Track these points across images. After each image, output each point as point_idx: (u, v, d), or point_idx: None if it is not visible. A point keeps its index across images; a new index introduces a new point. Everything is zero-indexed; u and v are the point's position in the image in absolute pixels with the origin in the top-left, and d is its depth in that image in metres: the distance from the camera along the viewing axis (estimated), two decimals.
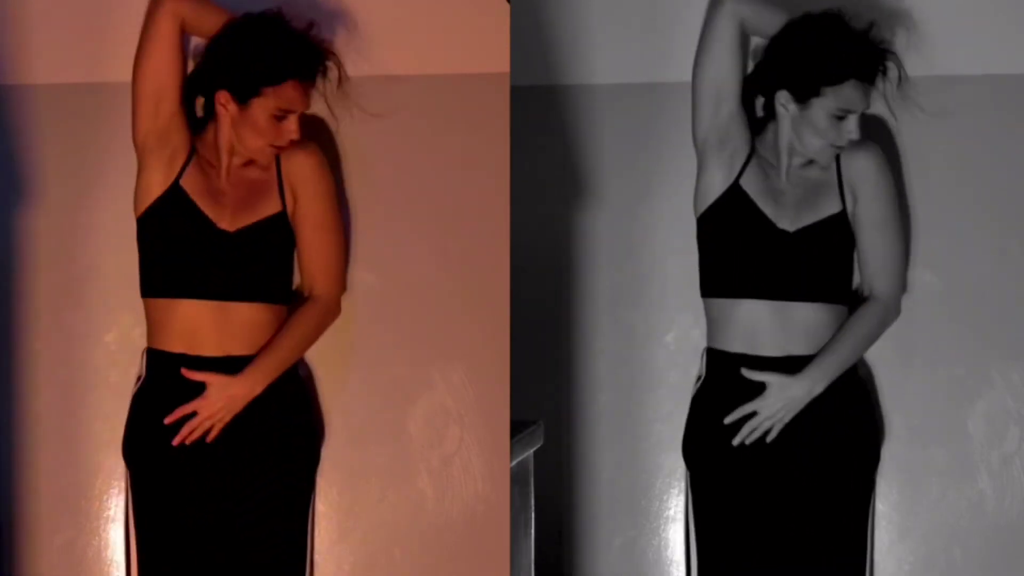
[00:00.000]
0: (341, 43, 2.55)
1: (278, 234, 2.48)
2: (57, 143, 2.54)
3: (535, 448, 2.76)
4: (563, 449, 2.94)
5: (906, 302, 2.82)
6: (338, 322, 2.55)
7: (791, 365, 2.64)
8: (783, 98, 2.65)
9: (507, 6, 2.56)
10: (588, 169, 2.94)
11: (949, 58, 2.83)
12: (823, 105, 2.61)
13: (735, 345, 2.67)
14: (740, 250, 2.68)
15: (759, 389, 2.64)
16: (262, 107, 2.41)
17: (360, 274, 2.56)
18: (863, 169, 2.68)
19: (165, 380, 2.43)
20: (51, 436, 2.54)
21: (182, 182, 2.44)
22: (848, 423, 2.68)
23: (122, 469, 2.51)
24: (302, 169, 2.48)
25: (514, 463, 2.58)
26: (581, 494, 2.94)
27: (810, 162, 2.70)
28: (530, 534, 2.75)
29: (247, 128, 2.43)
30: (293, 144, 2.45)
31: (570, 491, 2.94)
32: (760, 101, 2.73)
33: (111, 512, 2.54)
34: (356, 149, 2.57)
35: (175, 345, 2.43)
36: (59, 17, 2.55)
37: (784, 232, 2.66)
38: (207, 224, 2.43)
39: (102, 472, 2.53)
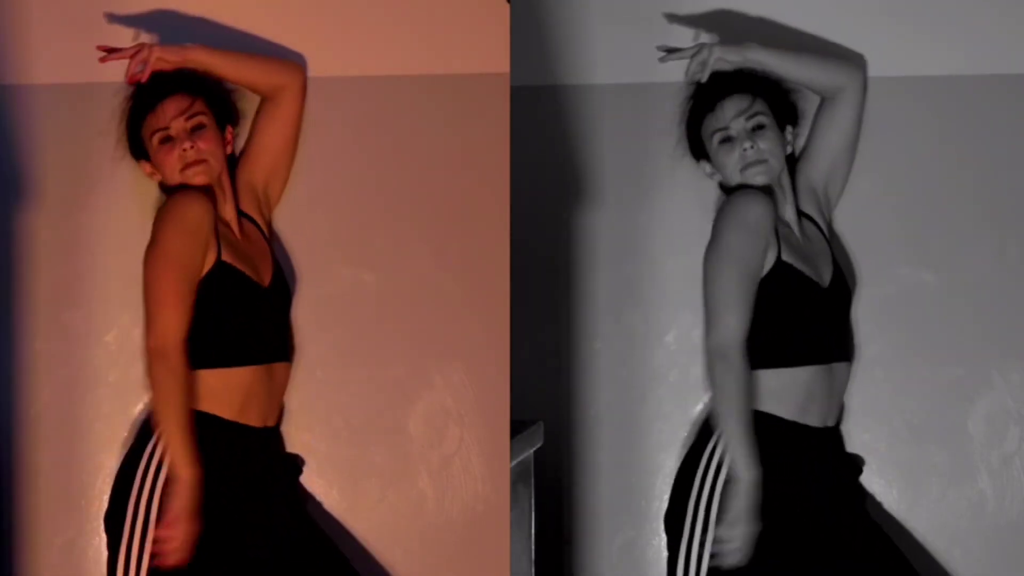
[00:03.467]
0: (342, 43, 2.56)
1: (285, 276, 2.54)
2: (57, 143, 2.54)
3: (535, 448, 2.76)
4: (563, 449, 2.94)
5: (906, 302, 2.82)
6: (338, 322, 2.56)
7: (826, 436, 2.66)
8: (707, 168, 2.71)
9: (507, 6, 2.56)
10: (588, 169, 2.94)
11: (949, 58, 2.83)
12: (710, 146, 2.66)
13: (782, 412, 2.60)
14: (796, 319, 2.61)
15: (800, 456, 2.59)
16: (151, 147, 2.43)
17: (360, 274, 2.57)
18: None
19: (210, 443, 2.38)
20: (51, 436, 2.53)
21: (224, 257, 2.41)
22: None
23: None
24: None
25: (514, 463, 2.58)
26: (581, 494, 2.94)
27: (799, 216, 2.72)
28: (530, 534, 2.75)
29: (162, 172, 2.43)
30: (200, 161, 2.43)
31: (570, 491, 2.94)
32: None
33: None
34: (356, 149, 2.57)
35: (222, 411, 2.41)
36: (59, 17, 2.55)
37: (825, 289, 2.66)
38: (256, 287, 2.44)
39: (102, 472, 2.53)
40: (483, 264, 2.55)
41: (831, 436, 2.68)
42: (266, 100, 2.52)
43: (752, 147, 2.62)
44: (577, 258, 2.95)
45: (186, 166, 2.42)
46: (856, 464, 2.78)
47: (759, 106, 2.66)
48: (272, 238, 2.56)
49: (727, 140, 2.64)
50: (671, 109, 2.85)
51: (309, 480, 2.56)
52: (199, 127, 2.44)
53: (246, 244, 2.48)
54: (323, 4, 2.57)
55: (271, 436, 2.50)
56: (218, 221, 2.43)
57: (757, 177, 2.63)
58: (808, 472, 2.60)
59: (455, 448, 2.56)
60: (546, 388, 2.95)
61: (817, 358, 2.62)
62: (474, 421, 2.56)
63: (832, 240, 2.76)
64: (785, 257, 2.60)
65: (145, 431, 2.41)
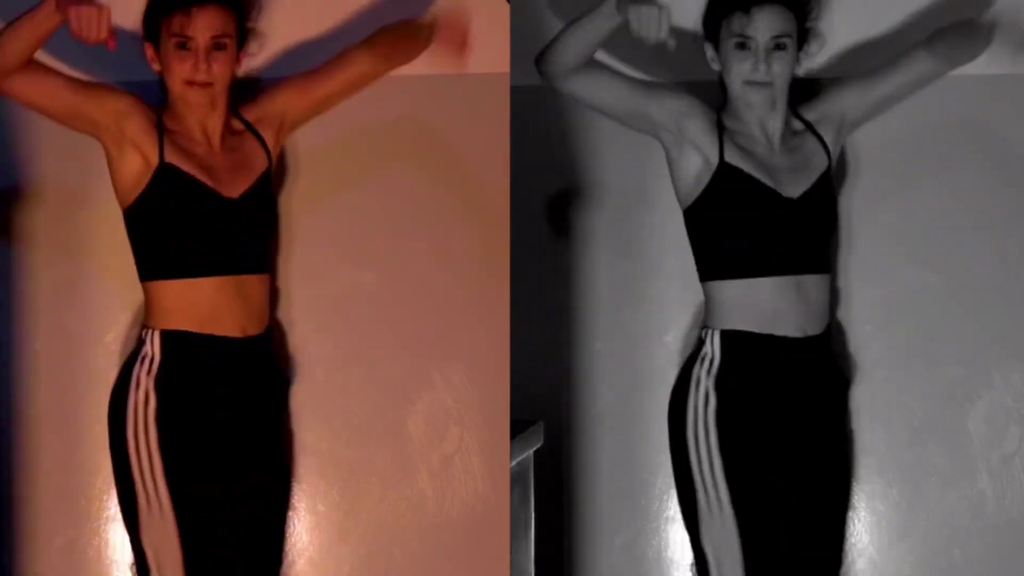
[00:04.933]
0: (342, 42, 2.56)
1: (270, 194, 2.50)
2: (57, 143, 2.54)
3: (535, 448, 2.76)
4: (563, 449, 2.94)
5: (906, 302, 2.82)
6: (338, 322, 2.56)
7: (808, 345, 2.62)
8: (709, 52, 2.69)
9: (507, 6, 2.56)
10: (588, 169, 2.94)
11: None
12: (724, 39, 2.64)
13: (752, 326, 2.61)
14: (749, 227, 2.62)
15: (781, 368, 2.61)
16: (165, 41, 2.40)
17: (360, 274, 2.56)
18: (824, 96, 2.74)
19: (187, 361, 2.40)
20: (51, 436, 2.54)
21: (168, 159, 2.38)
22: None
23: None
24: (263, 99, 2.50)
25: (514, 463, 2.58)
26: (581, 494, 2.94)
27: (792, 131, 2.70)
28: (530, 534, 2.75)
29: (165, 71, 2.42)
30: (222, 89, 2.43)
31: (570, 491, 2.94)
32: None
33: (111, 512, 2.54)
34: (356, 149, 2.57)
35: (191, 326, 2.39)
36: None
37: (789, 200, 2.62)
38: (212, 195, 2.40)
39: (102, 472, 2.53)
40: (483, 264, 2.55)
41: (813, 345, 2.64)
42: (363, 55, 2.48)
43: (766, 68, 2.61)
44: (577, 258, 2.95)
45: (191, 83, 2.40)
46: (843, 376, 2.76)
47: (788, 26, 2.63)
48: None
49: (743, 47, 2.62)
50: None
51: (309, 480, 2.56)
52: (220, 47, 2.41)
53: (222, 156, 2.44)
54: (323, 3, 2.57)
55: (253, 345, 2.44)
56: (168, 128, 2.40)
57: (753, 96, 2.62)
58: (784, 382, 2.62)
59: (455, 448, 2.56)
60: (546, 388, 2.95)
61: (775, 269, 2.61)
62: (474, 421, 2.56)
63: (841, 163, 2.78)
64: (729, 158, 2.61)
65: (127, 367, 2.41)
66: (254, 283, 2.44)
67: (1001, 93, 2.82)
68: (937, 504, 2.83)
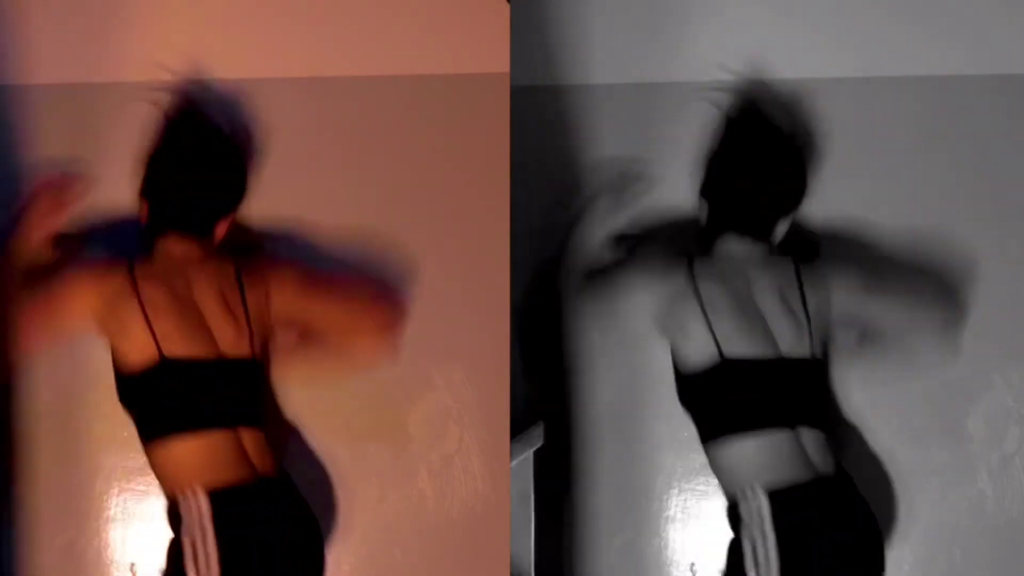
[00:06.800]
0: (342, 43, 2.56)
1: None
2: (57, 143, 2.54)
3: (535, 448, 2.76)
4: (563, 449, 2.94)
5: None
6: None
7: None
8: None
9: (507, 6, 2.56)
10: (588, 169, 2.94)
11: (949, 58, 2.83)
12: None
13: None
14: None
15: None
16: None
17: None
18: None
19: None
20: (51, 436, 2.54)
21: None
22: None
23: (122, 469, 2.52)
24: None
25: (514, 463, 2.58)
26: (581, 494, 2.94)
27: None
28: (530, 534, 2.75)
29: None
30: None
31: (570, 491, 2.94)
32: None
33: (111, 512, 2.54)
34: (356, 149, 2.57)
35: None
36: (59, 17, 2.55)
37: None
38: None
39: (102, 472, 2.53)
40: (483, 264, 2.55)
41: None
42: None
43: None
44: (577, 258, 2.94)
45: None
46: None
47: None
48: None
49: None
50: (671, 109, 2.86)
51: (309, 480, 2.56)
52: None
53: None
54: (323, 4, 2.57)
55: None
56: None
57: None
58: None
59: (455, 448, 2.56)
60: (546, 388, 2.95)
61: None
62: (474, 421, 2.56)
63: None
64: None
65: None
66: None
67: (1000, 93, 2.82)
68: (937, 504, 2.83)
